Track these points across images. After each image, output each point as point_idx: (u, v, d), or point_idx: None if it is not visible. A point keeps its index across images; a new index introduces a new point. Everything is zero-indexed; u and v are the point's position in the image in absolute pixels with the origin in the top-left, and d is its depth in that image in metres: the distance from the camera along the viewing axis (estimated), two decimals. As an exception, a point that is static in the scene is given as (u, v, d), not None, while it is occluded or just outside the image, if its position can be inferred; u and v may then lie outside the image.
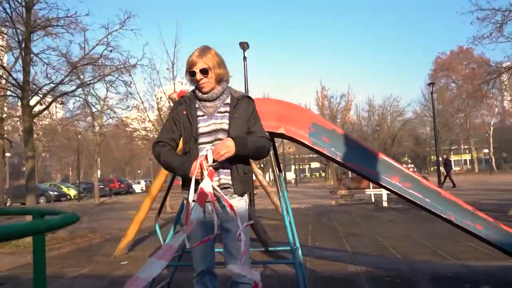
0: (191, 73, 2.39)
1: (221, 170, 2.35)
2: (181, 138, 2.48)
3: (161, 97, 18.91)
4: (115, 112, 21.44)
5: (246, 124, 2.42)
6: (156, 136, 20.86)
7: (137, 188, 42.50)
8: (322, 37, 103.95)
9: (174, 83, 16.50)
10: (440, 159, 26.50)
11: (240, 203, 2.36)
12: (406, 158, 62.08)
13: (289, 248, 3.60)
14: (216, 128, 2.38)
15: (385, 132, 54.38)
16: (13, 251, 7.28)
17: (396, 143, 55.15)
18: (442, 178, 22.06)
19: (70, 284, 4.74)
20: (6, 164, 31.74)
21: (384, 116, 56.81)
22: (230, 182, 2.36)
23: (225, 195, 2.34)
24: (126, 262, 5.76)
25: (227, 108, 2.42)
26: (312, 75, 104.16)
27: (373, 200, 14.93)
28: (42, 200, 27.46)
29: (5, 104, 16.87)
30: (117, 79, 11.11)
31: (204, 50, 2.39)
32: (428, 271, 4.48)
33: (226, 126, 2.37)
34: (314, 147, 3.49)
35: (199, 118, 2.41)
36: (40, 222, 1.33)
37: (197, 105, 2.44)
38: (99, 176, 32.52)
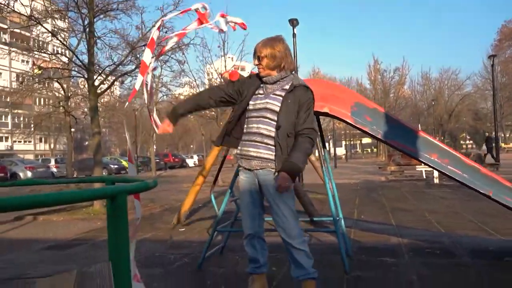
0: (254, 57, 2.77)
1: (265, 145, 2.64)
2: (231, 103, 2.87)
3: (212, 73, 19.43)
4: (169, 90, 22.37)
5: (296, 110, 2.65)
6: (207, 111, 21.65)
7: (190, 162, 44.19)
8: (375, 6, 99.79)
9: (225, 60, 16.89)
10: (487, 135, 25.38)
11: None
12: (464, 134, 59.34)
13: (332, 218, 3.89)
14: (266, 107, 2.67)
15: (441, 107, 52.07)
16: (84, 217, 8.13)
17: (453, 119, 52.73)
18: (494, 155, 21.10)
19: (137, 246, 5.34)
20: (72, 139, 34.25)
21: (441, 90, 54.27)
22: (273, 158, 2.63)
23: (264, 168, 2.65)
24: (183, 229, 6.32)
25: (283, 93, 2.70)
26: (365, 48, 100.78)
27: (424, 177, 14.72)
28: (104, 173, 29.40)
29: (70, 83, 18.14)
30: (171, 58, 11.67)
31: (268, 40, 2.72)
32: (470, 244, 4.60)
33: (275, 108, 2.65)
34: (357, 126, 3.70)
35: (256, 95, 2.74)
36: (124, 186, 1.67)
37: (261, 84, 2.78)
38: (154, 150, 34.18)
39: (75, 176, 27.19)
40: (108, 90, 14.67)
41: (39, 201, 1.16)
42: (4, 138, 51.76)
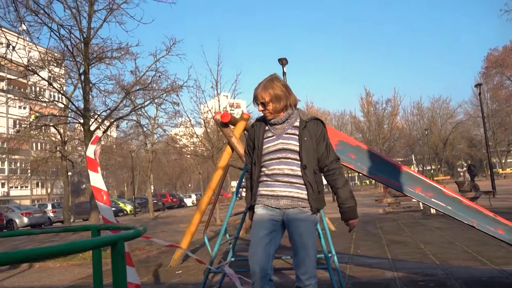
0: (255, 103, 2.74)
1: (292, 184, 2.60)
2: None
3: (207, 111, 19.78)
4: (164, 130, 22.66)
5: (315, 144, 2.65)
6: (203, 150, 21.83)
7: (188, 201, 43.94)
8: (364, 42, 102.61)
9: (218, 99, 17.24)
10: (465, 164, 25.57)
11: (311, 218, 2.60)
12: (461, 162, 59.51)
13: (323, 255, 3.96)
14: (284, 148, 2.64)
15: (435, 136, 52.66)
16: (81, 263, 8.08)
17: (448, 147, 53.19)
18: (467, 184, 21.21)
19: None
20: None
21: (434, 119, 55.06)
22: (303, 197, 2.60)
23: (295, 207, 2.59)
24: (180, 271, 6.31)
25: (296, 131, 2.67)
26: (356, 81, 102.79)
27: (421, 207, 14.74)
28: (100, 218, 29.18)
29: (66, 128, 18.37)
30: (165, 101, 11.97)
31: (267, 84, 2.68)
32: (463, 275, 4.63)
33: (294, 147, 2.62)
34: (343, 164, 3.84)
35: (267, 139, 2.70)
36: (114, 236, 1.82)
37: (266, 128, 2.76)
38: (152, 191, 34.09)
39: (72, 220, 26.99)
40: (104, 133, 14.90)
41: (46, 252, 1.29)
42: (0, 184, 51.59)
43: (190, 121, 17.92)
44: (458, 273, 4.77)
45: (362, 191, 49.42)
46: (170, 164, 47.72)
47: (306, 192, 2.60)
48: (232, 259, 4.58)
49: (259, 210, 2.67)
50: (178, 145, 26.11)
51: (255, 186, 2.73)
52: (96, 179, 3.33)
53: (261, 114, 2.87)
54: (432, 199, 3.65)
